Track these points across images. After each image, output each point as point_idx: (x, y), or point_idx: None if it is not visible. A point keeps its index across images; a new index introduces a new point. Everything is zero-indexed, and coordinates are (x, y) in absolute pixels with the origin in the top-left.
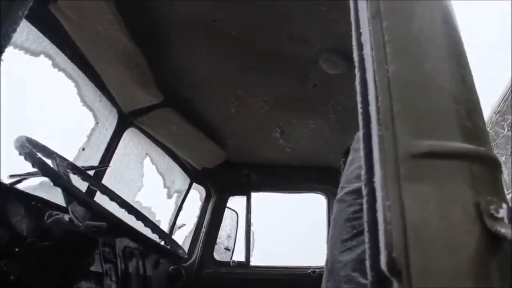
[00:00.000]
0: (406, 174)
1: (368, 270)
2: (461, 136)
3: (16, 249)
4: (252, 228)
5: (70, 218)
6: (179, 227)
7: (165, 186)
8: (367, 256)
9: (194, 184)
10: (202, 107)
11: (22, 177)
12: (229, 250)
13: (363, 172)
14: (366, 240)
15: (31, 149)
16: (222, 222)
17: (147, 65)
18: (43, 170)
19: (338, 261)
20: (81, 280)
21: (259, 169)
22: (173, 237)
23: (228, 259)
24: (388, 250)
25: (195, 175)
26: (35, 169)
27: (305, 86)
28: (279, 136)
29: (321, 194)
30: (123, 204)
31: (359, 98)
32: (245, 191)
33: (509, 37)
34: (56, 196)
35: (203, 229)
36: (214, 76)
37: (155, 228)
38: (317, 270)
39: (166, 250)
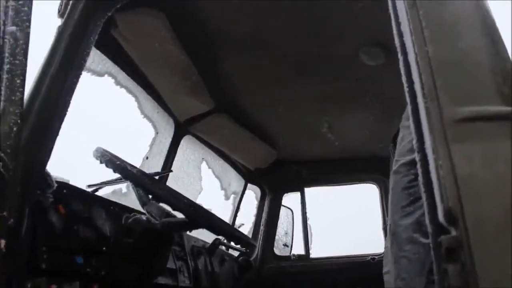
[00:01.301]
0: (452, 137)
1: (428, 224)
2: (500, 100)
3: (103, 248)
4: (308, 222)
5: (147, 218)
6: (239, 227)
7: (222, 188)
8: (426, 212)
9: (249, 185)
10: (252, 110)
11: (99, 185)
12: (287, 246)
13: (414, 141)
14: (424, 199)
15: (110, 157)
16: (279, 220)
17: (199, 75)
18: (124, 173)
19: (399, 225)
20: (158, 276)
21: (310, 164)
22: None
23: (288, 254)
24: (444, 203)
25: (249, 176)
26: (116, 175)
27: (348, 80)
28: (326, 131)
29: (373, 184)
30: (190, 204)
31: (404, 78)
32: (299, 187)
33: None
34: (127, 201)
35: (262, 227)
36: (261, 81)
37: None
38: (376, 257)
39: (240, 237)
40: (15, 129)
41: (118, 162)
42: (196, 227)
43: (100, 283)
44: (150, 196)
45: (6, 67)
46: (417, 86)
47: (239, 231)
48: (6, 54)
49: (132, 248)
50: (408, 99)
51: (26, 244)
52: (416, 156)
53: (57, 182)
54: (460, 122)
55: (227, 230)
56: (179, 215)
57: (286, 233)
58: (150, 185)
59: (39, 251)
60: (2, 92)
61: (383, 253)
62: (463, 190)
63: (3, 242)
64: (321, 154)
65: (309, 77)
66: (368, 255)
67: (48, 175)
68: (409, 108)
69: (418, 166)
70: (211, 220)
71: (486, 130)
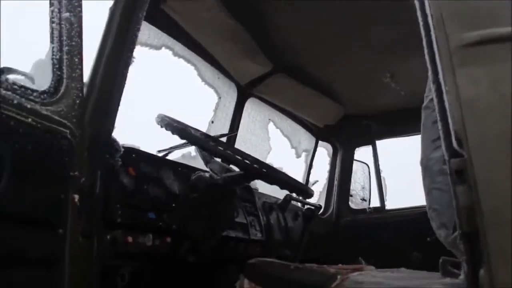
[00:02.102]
0: (459, 62)
1: (444, 152)
2: (506, 21)
3: (173, 205)
4: (382, 174)
5: (210, 175)
6: (313, 184)
7: (292, 147)
8: (442, 139)
9: (320, 142)
10: (312, 67)
11: (168, 150)
12: (365, 200)
13: (429, 72)
14: (439, 127)
15: (169, 121)
16: (355, 175)
17: (251, 38)
18: (181, 134)
19: (431, 159)
20: (229, 229)
21: (378, 117)
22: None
23: (363, 208)
24: (453, 126)
25: (319, 133)
26: (178, 139)
27: (404, 25)
28: (389, 80)
29: None
30: (255, 161)
31: (419, 13)
32: (370, 141)
33: None
34: (196, 163)
35: (336, 182)
36: (317, 37)
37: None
38: None
39: (298, 186)
40: (78, 101)
41: (175, 124)
42: (252, 179)
43: (172, 236)
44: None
45: (65, 48)
46: (429, 18)
47: (294, 179)
48: (64, 38)
49: (198, 202)
50: (423, 33)
51: (101, 201)
52: (432, 87)
53: (125, 147)
54: (466, 47)
55: (281, 178)
56: None
57: (363, 188)
58: (204, 141)
59: (113, 207)
60: (64, 71)
61: None
62: (468, 112)
63: (76, 196)
64: (389, 105)
65: (366, 27)
66: None
67: (114, 141)
68: (424, 41)
69: (434, 96)
70: (267, 171)
71: (491, 53)
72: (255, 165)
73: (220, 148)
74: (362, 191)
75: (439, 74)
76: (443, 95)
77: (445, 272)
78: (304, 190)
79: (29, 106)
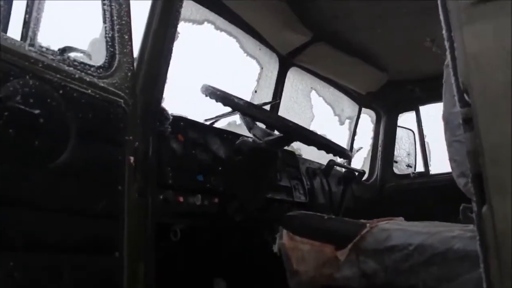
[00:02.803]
0: (465, 20)
1: (457, 103)
2: None
3: (219, 168)
4: (426, 139)
5: (253, 139)
6: (357, 151)
7: (335, 115)
8: (455, 92)
9: (364, 109)
10: (352, 34)
11: (214, 119)
12: (411, 166)
13: (444, 30)
14: (452, 81)
15: (212, 90)
16: (401, 141)
17: (290, 8)
18: (224, 101)
19: (451, 113)
20: (273, 192)
21: (421, 82)
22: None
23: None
24: (460, 79)
25: (362, 101)
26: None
27: None
28: (430, 45)
29: None
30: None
31: None
32: (413, 106)
33: None
34: (242, 131)
35: (379, 149)
36: (355, 3)
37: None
38: None
39: (336, 148)
40: (129, 74)
41: (218, 93)
42: (290, 141)
43: (219, 197)
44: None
45: (116, 27)
46: None
47: (332, 142)
48: (115, 17)
49: (242, 164)
50: None
51: (154, 164)
52: (446, 44)
53: (174, 116)
54: (473, 5)
55: (319, 140)
56: None
57: (408, 154)
58: (243, 106)
59: (165, 170)
60: (116, 47)
61: None
62: (472, 65)
63: (131, 158)
64: (432, 70)
65: None
66: None
67: (164, 110)
68: (439, 2)
69: (448, 52)
70: (304, 133)
71: (495, 10)
72: (292, 126)
73: (256, 111)
74: (407, 158)
75: (451, 31)
76: (455, 52)
77: (466, 218)
78: (342, 151)
79: (88, 79)
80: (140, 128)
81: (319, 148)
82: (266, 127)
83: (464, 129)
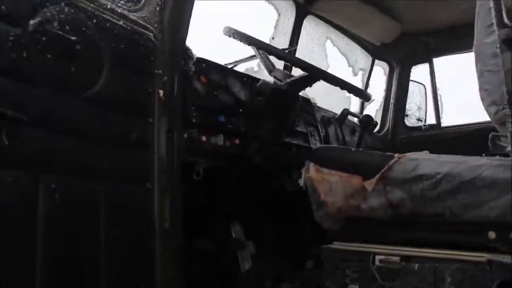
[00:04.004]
0: None
1: (495, 26)
2: None
3: (240, 110)
4: (438, 92)
5: (274, 81)
6: (369, 102)
7: (349, 65)
8: (493, 16)
9: (377, 61)
10: None
11: (234, 63)
12: (421, 120)
13: None
14: (491, 5)
15: (236, 30)
16: (412, 95)
17: None
18: (249, 41)
19: (484, 43)
20: (291, 136)
21: (436, 34)
22: (365, 111)
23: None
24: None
25: (375, 52)
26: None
27: None
28: None
29: None
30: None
31: None
32: (427, 59)
33: None
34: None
35: (392, 101)
36: None
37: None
38: None
39: (356, 89)
40: (157, 9)
41: (243, 32)
42: (313, 80)
43: (240, 138)
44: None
45: None
46: None
47: (354, 85)
48: None
49: (264, 105)
50: None
51: (179, 102)
52: None
53: (197, 57)
54: None
55: (341, 80)
56: None
57: (419, 108)
58: (269, 46)
59: (189, 108)
60: None
61: None
62: None
63: (161, 91)
64: (447, 21)
65: None
66: None
67: (188, 49)
68: None
69: None
70: (327, 73)
71: None
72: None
73: (280, 50)
74: (418, 111)
75: None
76: None
77: (495, 146)
78: (362, 92)
79: (119, 11)
80: (168, 63)
81: (342, 88)
82: (286, 69)
83: (503, 50)
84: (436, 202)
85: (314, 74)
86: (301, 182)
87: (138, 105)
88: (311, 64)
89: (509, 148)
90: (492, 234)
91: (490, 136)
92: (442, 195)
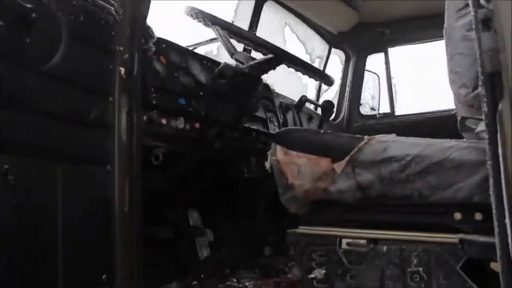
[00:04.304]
0: None
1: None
2: None
3: (201, 93)
4: (393, 81)
5: (236, 64)
6: (325, 91)
7: (307, 53)
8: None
9: (334, 50)
10: None
11: (194, 45)
12: (374, 109)
13: None
14: None
15: (199, 10)
16: (366, 85)
17: None
18: (212, 20)
19: (454, 27)
20: (250, 122)
21: (392, 24)
22: (321, 99)
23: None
24: None
25: (332, 40)
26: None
27: None
28: None
29: None
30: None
31: None
32: (382, 48)
33: None
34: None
35: (347, 89)
36: None
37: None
38: None
39: (320, 72)
40: None
41: (207, 12)
42: (279, 63)
43: (200, 121)
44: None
45: None
46: None
47: (317, 68)
48: None
49: (226, 89)
50: None
51: (139, 82)
52: None
53: (157, 37)
54: None
55: (306, 63)
56: None
57: (372, 97)
58: (236, 27)
59: (149, 89)
60: None
61: None
62: None
63: (122, 69)
64: (404, 13)
65: None
66: (452, 110)
67: (149, 27)
68: None
69: None
70: (291, 56)
71: None
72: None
73: (245, 31)
74: (371, 101)
75: None
76: None
77: (463, 127)
78: (325, 76)
79: None
80: (128, 40)
81: (305, 70)
82: (246, 50)
83: (479, 30)
84: (404, 184)
85: (280, 56)
86: (267, 165)
87: (98, 82)
88: (277, 46)
89: (478, 129)
90: (458, 215)
91: (459, 118)
92: (411, 176)
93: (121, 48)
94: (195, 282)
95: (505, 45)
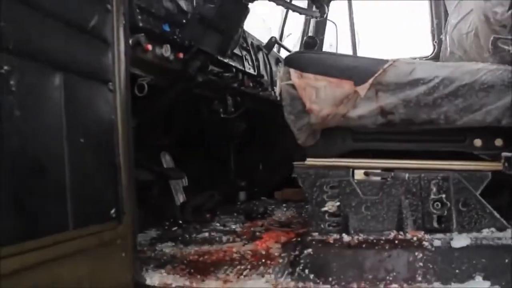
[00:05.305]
0: None
1: None
2: None
3: (183, 21)
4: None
5: None
6: (287, 36)
7: None
8: None
9: None
10: None
11: None
12: None
13: None
14: None
15: None
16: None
17: None
18: None
19: None
20: (229, 58)
21: None
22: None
23: None
24: None
25: None
26: None
27: None
28: None
29: None
30: None
31: None
32: None
33: None
34: None
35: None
36: None
37: None
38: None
39: (303, 9)
40: None
41: None
42: None
43: (185, 52)
44: None
45: None
46: None
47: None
48: None
49: (214, 15)
50: None
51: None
52: None
53: None
54: None
55: None
56: None
57: (330, 45)
58: None
59: (134, 9)
60: None
61: (430, 55)
62: None
63: None
64: None
65: None
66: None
67: None
68: None
69: None
70: None
71: None
72: None
73: None
74: (330, 49)
75: None
76: None
77: (496, 48)
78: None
79: None
80: None
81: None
82: None
83: None
84: (431, 107)
85: None
86: (277, 91)
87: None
88: None
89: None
90: (478, 142)
91: (491, 38)
92: (439, 100)
93: None
94: (175, 228)
95: None
